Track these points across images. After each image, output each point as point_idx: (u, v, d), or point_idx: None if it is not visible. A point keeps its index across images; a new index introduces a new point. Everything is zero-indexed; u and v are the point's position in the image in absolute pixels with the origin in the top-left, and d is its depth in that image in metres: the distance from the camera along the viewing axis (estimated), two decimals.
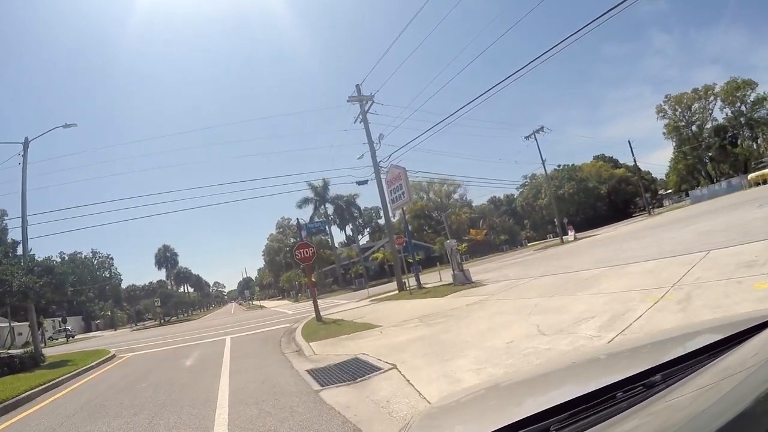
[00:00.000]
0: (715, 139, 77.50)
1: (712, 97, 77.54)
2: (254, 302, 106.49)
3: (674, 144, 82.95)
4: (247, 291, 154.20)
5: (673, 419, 1.00)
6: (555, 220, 54.27)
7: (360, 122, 29.41)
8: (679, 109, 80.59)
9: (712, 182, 73.28)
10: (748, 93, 73.41)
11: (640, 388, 1.27)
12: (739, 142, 76.87)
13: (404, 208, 27.29)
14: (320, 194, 72.75)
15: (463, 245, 79.21)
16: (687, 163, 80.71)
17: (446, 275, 26.01)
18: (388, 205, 27.82)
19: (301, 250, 19.65)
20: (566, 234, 53.16)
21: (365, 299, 27.55)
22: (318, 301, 20.15)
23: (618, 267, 12.99)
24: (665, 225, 27.77)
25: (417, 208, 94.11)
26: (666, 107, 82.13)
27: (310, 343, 12.52)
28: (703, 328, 2.00)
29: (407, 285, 25.93)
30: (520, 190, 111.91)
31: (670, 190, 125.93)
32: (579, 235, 52.91)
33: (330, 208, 79.81)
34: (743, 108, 74.68)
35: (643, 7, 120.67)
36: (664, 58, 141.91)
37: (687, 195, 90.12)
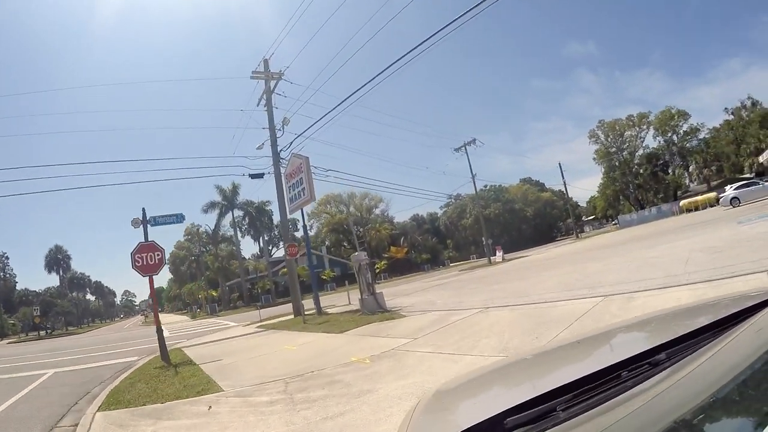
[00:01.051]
0: (646, 165, 77.42)
1: (645, 126, 77.70)
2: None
3: (603, 170, 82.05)
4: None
5: (679, 397, 1.03)
6: (483, 239, 50.25)
7: (264, 105, 23.83)
8: (611, 135, 79.82)
9: (642, 208, 73.20)
10: (680, 123, 74.10)
11: (645, 366, 1.29)
12: (670, 170, 77.18)
13: (305, 210, 21.85)
14: (229, 198, 65.43)
15: (382, 263, 74.77)
16: (615, 189, 79.65)
17: (357, 297, 20.91)
18: (286, 205, 22.27)
19: (142, 255, 12.30)
20: (494, 255, 49.83)
21: (252, 324, 21.81)
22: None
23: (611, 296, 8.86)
24: (603, 247, 26.42)
25: (335, 222, 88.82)
26: (599, 132, 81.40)
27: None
28: (708, 306, 2.00)
29: (314, 308, 20.71)
30: (444, 209, 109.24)
31: (591, 216, 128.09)
32: (507, 256, 49.80)
33: (252, 216, 72.64)
34: (674, 137, 75.12)
35: (573, 47, 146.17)
36: (589, 97, 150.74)
37: (614, 220, 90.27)
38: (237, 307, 61.46)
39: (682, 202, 57.54)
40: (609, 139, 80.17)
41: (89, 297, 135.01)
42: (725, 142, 67.88)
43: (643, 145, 79.45)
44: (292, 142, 23.40)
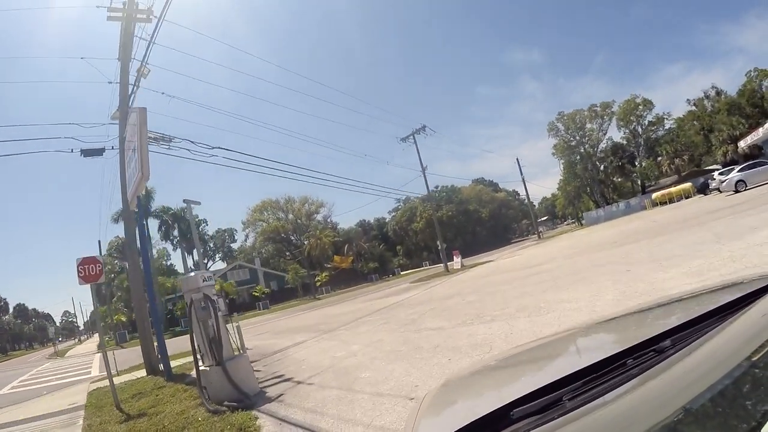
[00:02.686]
0: (611, 158, 72.74)
1: (608, 117, 73.07)
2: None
3: (562, 165, 76.95)
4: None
5: (685, 383, 1.03)
6: (438, 243, 43.01)
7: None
8: (572, 127, 74.75)
9: (607, 203, 69.37)
10: (645, 114, 70.36)
11: (651, 353, 1.29)
12: (636, 162, 72.74)
13: (141, 195, 14.12)
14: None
15: (323, 274, 67.25)
16: (576, 185, 74.16)
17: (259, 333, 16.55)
18: (127, 190, 14.44)
19: (85, 267, 10.87)
20: (451, 260, 43.46)
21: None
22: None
23: None
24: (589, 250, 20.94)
25: (271, 230, 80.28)
26: (559, 124, 75.75)
27: None
28: (712, 291, 2.00)
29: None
30: (393, 213, 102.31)
31: (545, 217, 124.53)
32: (465, 261, 43.46)
33: (168, 225, 63.19)
34: (639, 128, 71.31)
35: (517, 55, 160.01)
36: (533, 103, 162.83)
37: (571, 219, 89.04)
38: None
39: (654, 195, 54.61)
40: (569, 132, 74.67)
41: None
42: (693, 131, 66.03)
43: (606, 137, 75.24)
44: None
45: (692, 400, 0.87)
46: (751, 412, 0.81)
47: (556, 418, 1.06)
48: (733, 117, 58.91)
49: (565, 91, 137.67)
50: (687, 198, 47.81)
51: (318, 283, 64.46)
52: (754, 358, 0.95)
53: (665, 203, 50.33)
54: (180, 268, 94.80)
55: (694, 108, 68.15)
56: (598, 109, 73.65)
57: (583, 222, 69.30)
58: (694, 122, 66.40)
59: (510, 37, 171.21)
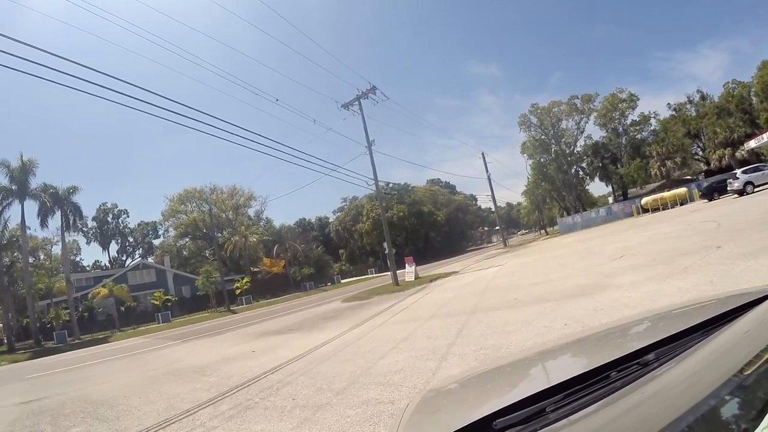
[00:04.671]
0: (591, 158, 68.62)
1: (586, 114, 68.44)
2: None
3: (530, 166, 70.71)
4: None
5: (668, 397, 1.07)
6: (385, 246, 34.31)
7: None
8: (548, 121, 68.80)
9: (584, 209, 65.31)
10: (627, 113, 66.99)
11: (635, 366, 1.33)
12: (619, 163, 67.95)
13: None
14: (17, 180, 42.27)
15: (244, 281, 57.39)
16: (547, 188, 67.73)
17: None
18: None
19: None
20: (403, 268, 34.86)
21: None
22: None
23: None
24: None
25: (188, 223, 70.32)
26: (532, 117, 69.72)
27: None
28: (696, 306, 2.08)
29: None
30: (338, 213, 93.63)
31: (497, 227, 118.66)
32: (421, 270, 36.36)
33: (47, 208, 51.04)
34: (620, 128, 67.82)
35: (476, 69, 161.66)
36: (489, 117, 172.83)
37: (542, 227, 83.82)
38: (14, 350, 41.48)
39: (644, 200, 50.95)
40: (543, 127, 68.49)
41: None
42: (680, 134, 63.20)
43: (584, 135, 70.43)
44: None
45: (675, 414, 0.88)
46: (734, 428, 0.84)
47: (538, 429, 1.09)
48: (730, 119, 57.82)
49: (522, 107, 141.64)
50: (682, 204, 44.75)
51: (237, 291, 54.67)
52: (738, 374, 0.98)
53: (657, 209, 46.81)
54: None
55: (674, 113, 67.15)
56: (579, 101, 67.95)
57: (557, 229, 65.85)
58: (680, 126, 64.41)
59: (470, 51, 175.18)
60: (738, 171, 34.66)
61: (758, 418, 0.78)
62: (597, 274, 12.73)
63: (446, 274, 30.05)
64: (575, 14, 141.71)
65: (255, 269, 66.23)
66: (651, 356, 1.36)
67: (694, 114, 65.60)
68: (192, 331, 28.85)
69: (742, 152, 50.83)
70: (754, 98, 59.25)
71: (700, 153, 65.20)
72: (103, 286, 50.78)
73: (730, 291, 2.09)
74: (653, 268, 11.07)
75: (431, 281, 27.23)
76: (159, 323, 43.85)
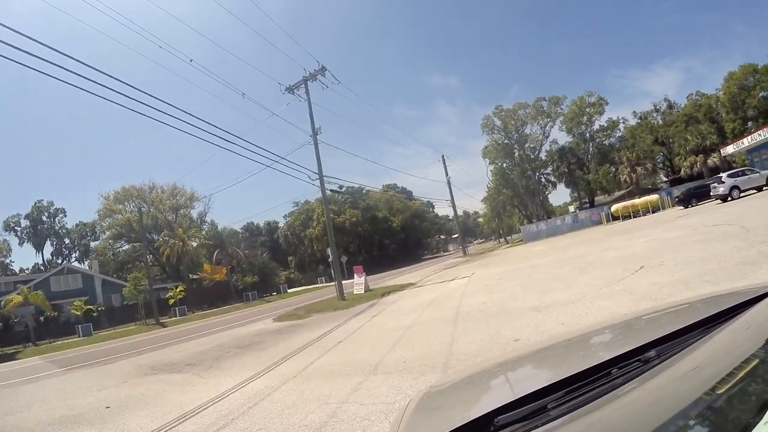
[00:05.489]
0: (557, 163, 65.82)
1: (552, 117, 65.73)
2: None
3: (491, 171, 67.75)
4: None
5: (668, 393, 1.08)
6: (329, 252, 29.47)
7: None
8: (512, 125, 65.56)
9: (548, 216, 63.55)
10: (595, 118, 65.19)
11: (636, 363, 1.34)
12: (587, 169, 65.79)
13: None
14: None
15: (178, 289, 51.72)
16: (509, 194, 64.94)
17: None
18: None
19: None
20: (353, 278, 30.80)
21: None
22: None
23: None
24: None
25: (122, 224, 64.25)
26: (496, 119, 66.43)
27: None
28: (697, 303, 2.06)
29: None
30: (288, 219, 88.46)
31: (455, 235, 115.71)
32: (374, 281, 32.38)
33: None
34: (587, 133, 66.10)
35: (435, 79, 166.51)
36: (446, 126, 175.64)
37: (501, 235, 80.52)
38: None
39: (614, 207, 49.70)
40: (507, 130, 65.61)
41: None
42: (649, 141, 62.06)
43: (549, 140, 67.85)
44: None
45: (676, 411, 0.89)
46: (734, 424, 0.83)
47: (539, 426, 1.09)
48: (701, 126, 57.37)
49: (477, 117, 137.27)
50: (654, 211, 43.81)
51: (170, 301, 49.03)
52: (738, 370, 0.97)
53: (627, 216, 45.57)
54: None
55: (639, 120, 67.08)
56: (546, 103, 64.92)
57: (517, 238, 65.16)
58: (648, 133, 63.46)
59: (430, 62, 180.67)
60: (723, 175, 32.33)
61: (759, 415, 0.77)
62: (634, 294, 8.55)
63: (401, 287, 25.86)
64: (534, 30, 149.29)
65: (195, 276, 61.21)
66: (652, 353, 1.35)
67: (660, 122, 65.80)
68: (96, 352, 23.78)
69: (714, 159, 50.63)
70: (721, 109, 60.10)
71: (667, 161, 65.29)
72: (18, 293, 44.55)
73: (731, 288, 2.11)
74: (722, 282, 7.42)
75: (383, 296, 23.05)
76: (80, 336, 38.39)
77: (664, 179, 65.08)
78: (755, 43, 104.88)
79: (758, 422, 0.75)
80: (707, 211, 26.09)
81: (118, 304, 53.02)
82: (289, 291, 60.56)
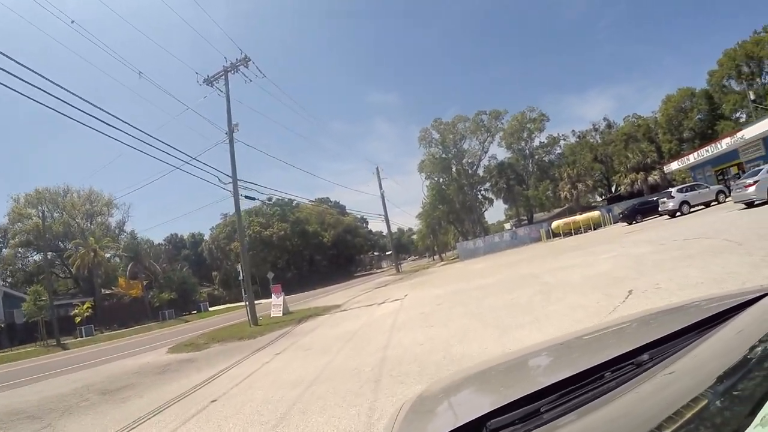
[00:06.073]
0: (496, 178, 64.28)
1: (491, 132, 64.45)
2: None
3: (427, 187, 65.36)
4: None
5: (661, 396, 1.07)
6: (239, 269, 25.42)
7: None
8: (450, 139, 63.50)
9: (486, 233, 62.07)
10: (534, 135, 64.77)
11: (629, 366, 1.33)
12: (526, 185, 65.01)
13: None
14: None
15: (86, 306, 46.51)
16: (444, 210, 62.62)
17: None
18: None
19: None
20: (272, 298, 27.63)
21: None
22: None
23: None
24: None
25: (29, 229, 58.01)
26: (434, 132, 64.19)
27: None
28: (690, 306, 2.07)
29: None
30: (213, 231, 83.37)
31: (388, 252, 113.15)
32: (299, 300, 29.53)
33: None
34: (527, 149, 65.43)
35: (375, 96, 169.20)
36: (383, 143, 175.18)
37: (437, 252, 79.74)
38: None
39: (554, 224, 48.28)
40: (444, 144, 63.57)
41: None
42: (589, 159, 63.41)
43: (488, 155, 66.42)
44: None
45: (669, 414, 0.89)
46: (727, 427, 0.83)
47: (532, 429, 1.09)
48: (642, 145, 57.82)
49: (415, 135, 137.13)
50: (595, 228, 43.36)
51: (77, 319, 43.67)
52: (731, 373, 0.98)
53: (569, 233, 44.47)
54: None
55: (578, 139, 67.84)
56: (486, 117, 63.39)
57: (453, 255, 63.68)
58: (587, 151, 64.63)
59: (371, 78, 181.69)
60: (673, 190, 31.63)
61: (751, 417, 0.78)
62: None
63: (325, 309, 22.71)
64: (475, 55, 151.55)
65: (109, 291, 55.84)
66: (645, 356, 1.36)
67: (599, 141, 66.46)
68: None
69: (655, 177, 50.70)
70: (658, 130, 63.40)
71: (604, 179, 65.93)
72: None
73: (724, 291, 2.09)
74: None
75: (300, 321, 19.70)
76: None
77: (599, 199, 65.92)
78: (684, 72, 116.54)
79: (750, 424, 0.75)
80: (656, 227, 24.59)
81: (20, 320, 47.10)
82: (210, 309, 56.81)
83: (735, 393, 0.91)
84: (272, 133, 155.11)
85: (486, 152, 65.19)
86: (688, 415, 0.87)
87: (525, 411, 1.17)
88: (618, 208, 45.40)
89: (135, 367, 15.79)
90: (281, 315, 24.12)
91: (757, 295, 1.62)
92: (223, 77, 25.46)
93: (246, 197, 26.15)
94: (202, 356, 15.53)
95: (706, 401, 0.89)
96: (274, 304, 25.78)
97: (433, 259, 74.24)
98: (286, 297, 26.19)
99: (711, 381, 0.97)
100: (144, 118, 78.32)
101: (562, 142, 66.21)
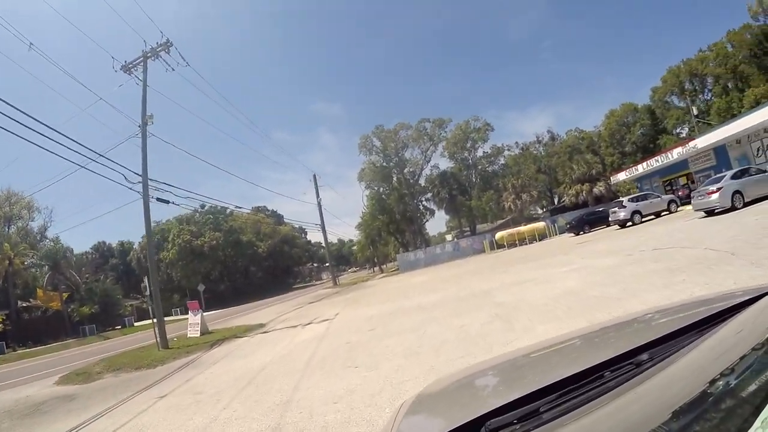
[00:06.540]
0: (438, 188, 62.27)
1: (435, 141, 62.81)
2: None
3: (367, 197, 63.18)
4: None
5: (661, 396, 1.07)
6: (145, 285, 21.92)
7: None
8: (392, 147, 61.59)
9: (427, 244, 60.34)
10: (478, 145, 63.86)
11: (628, 366, 1.32)
12: (469, 195, 63.52)
13: None
14: None
15: None
16: (385, 222, 60.80)
17: None
18: None
19: None
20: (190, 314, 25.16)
21: None
22: None
23: None
24: None
25: None
26: (375, 140, 62.04)
27: None
28: (690, 306, 2.04)
29: None
30: (142, 240, 78.46)
31: (326, 264, 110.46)
32: (224, 318, 28.28)
33: None
34: (470, 159, 64.33)
35: (319, 107, 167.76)
36: (327, 154, 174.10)
37: (376, 264, 78.34)
38: None
39: (498, 235, 47.53)
40: (386, 152, 61.52)
41: None
42: (533, 170, 62.80)
43: (431, 165, 64.67)
44: None
45: (669, 413, 0.90)
46: (728, 427, 0.83)
47: (532, 429, 1.09)
48: (587, 156, 57.65)
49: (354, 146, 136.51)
50: (541, 239, 42.96)
51: None
52: (730, 373, 0.99)
53: (513, 244, 43.68)
54: None
55: (521, 151, 67.56)
56: (429, 125, 61.60)
57: (393, 266, 62.44)
58: (531, 163, 64.35)
59: (315, 88, 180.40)
60: (624, 199, 30.84)
61: (753, 417, 0.78)
62: None
63: (247, 330, 20.24)
64: (419, 69, 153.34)
65: (26, 304, 50.22)
66: (645, 356, 1.35)
67: (543, 153, 66.90)
68: None
69: (600, 188, 50.21)
70: (602, 143, 64.35)
71: (548, 191, 65.92)
72: None
73: (724, 291, 2.09)
74: None
75: (214, 345, 17.10)
76: None
77: (540, 211, 65.92)
78: (623, 91, 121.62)
79: (752, 425, 0.75)
80: (608, 237, 23.50)
81: None
82: (135, 324, 51.13)
83: (736, 394, 0.90)
84: (213, 142, 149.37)
85: (428, 161, 63.49)
86: (688, 415, 0.87)
87: (524, 411, 1.16)
88: (562, 219, 45.55)
89: (9, 403, 12.85)
90: (198, 335, 21.20)
91: (757, 294, 1.60)
92: (143, 64, 22.42)
93: (158, 200, 22.98)
94: (84, 392, 12.59)
95: (706, 402, 0.89)
96: (191, 323, 22.75)
97: (374, 271, 72.11)
98: (218, 311, 23.61)
99: (711, 381, 0.97)
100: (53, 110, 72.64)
101: (506, 152, 65.50)
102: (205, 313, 24.25)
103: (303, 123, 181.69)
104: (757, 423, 0.74)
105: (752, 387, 0.90)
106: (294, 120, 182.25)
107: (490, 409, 1.18)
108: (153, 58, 22.64)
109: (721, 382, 0.95)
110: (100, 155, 20.28)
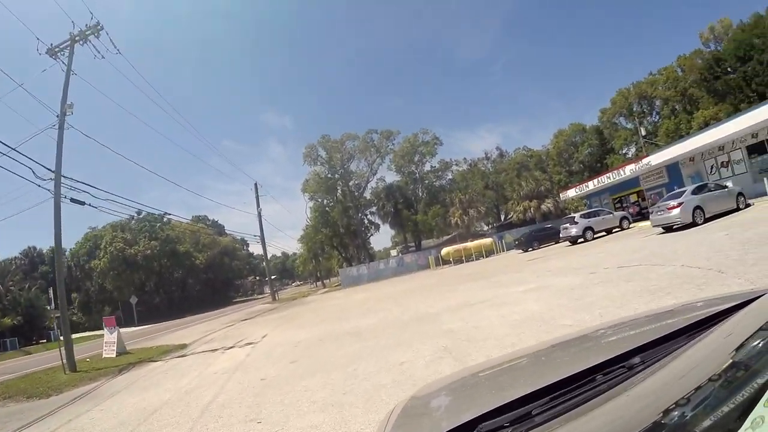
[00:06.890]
0: (384, 201, 60.94)
1: (381, 153, 61.64)
2: None
3: (311, 208, 61.06)
4: None
5: (652, 399, 1.07)
6: (52, 308, 20.28)
7: None
8: (337, 158, 59.76)
9: (371, 259, 59.07)
10: (426, 159, 62.47)
11: (620, 369, 1.33)
12: (415, 210, 62.00)
13: None
14: None
15: None
16: (328, 235, 59.20)
17: None
18: None
19: None
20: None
21: None
22: None
23: None
24: None
25: None
26: (321, 150, 60.24)
27: None
28: (681, 310, 2.07)
29: None
30: (75, 246, 74.14)
31: (274, 276, 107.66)
32: (152, 334, 26.41)
33: None
34: (418, 173, 63.07)
35: (270, 117, 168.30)
36: (274, 166, 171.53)
37: (318, 278, 77.14)
38: None
39: (444, 250, 46.70)
40: (331, 163, 59.63)
41: None
42: (481, 186, 63.77)
43: (377, 177, 63.42)
44: None
45: (660, 416, 0.91)
46: (718, 429, 0.84)
47: None
48: (536, 173, 58.54)
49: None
50: (487, 255, 42.60)
51: None
52: (720, 376, 1.00)
53: (460, 260, 43.11)
54: None
55: (469, 167, 68.70)
56: (377, 136, 60.33)
57: (336, 282, 61.14)
58: (479, 179, 65.73)
59: (265, 98, 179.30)
60: (576, 215, 30.28)
61: (741, 419, 0.79)
62: None
63: (166, 351, 18.23)
64: (371, 87, 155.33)
65: None
66: (636, 359, 1.36)
67: (491, 169, 67.97)
68: None
69: (548, 205, 50.38)
70: (549, 161, 65.48)
71: (495, 207, 66.41)
72: None
73: (715, 294, 2.15)
74: None
75: (123, 371, 14.91)
76: None
77: (486, 227, 65.77)
78: (570, 113, 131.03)
79: (741, 426, 0.77)
80: (561, 254, 22.58)
81: None
82: (61, 339, 47.21)
83: (725, 396, 0.91)
84: (156, 149, 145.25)
85: (374, 174, 62.20)
86: (679, 419, 0.88)
87: (516, 414, 1.17)
88: (510, 236, 45.98)
89: None
90: (114, 356, 18.92)
91: (747, 298, 1.63)
92: (69, 47, 20.16)
93: (72, 200, 20.47)
94: None
95: (696, 404, 0.90)
96: (107, 341, 20.25)
97: (316, 286, 70.06)
98: (149, 326, 21.18)
99: (701, 384, 0.98)
100: None
101: (454, 168, 65.19)
102: (134, 328, 22.00)
103: (253, 133, 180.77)
104: (747, 423, 0.76)
105: (742, 389, 0.90)
106: (243, 129, 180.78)
107: (483, 412, 1.17)
108: (81, 42, 20.43)
109: (711, 385, 0.95)
110: (12, 149, 17.89)
